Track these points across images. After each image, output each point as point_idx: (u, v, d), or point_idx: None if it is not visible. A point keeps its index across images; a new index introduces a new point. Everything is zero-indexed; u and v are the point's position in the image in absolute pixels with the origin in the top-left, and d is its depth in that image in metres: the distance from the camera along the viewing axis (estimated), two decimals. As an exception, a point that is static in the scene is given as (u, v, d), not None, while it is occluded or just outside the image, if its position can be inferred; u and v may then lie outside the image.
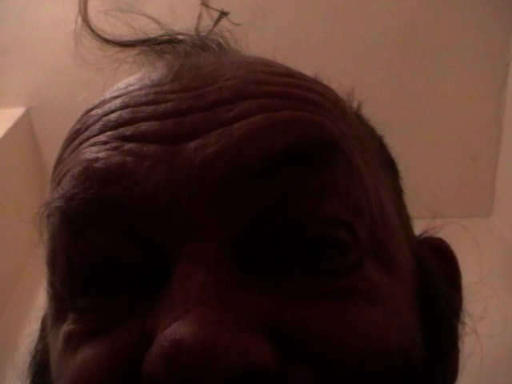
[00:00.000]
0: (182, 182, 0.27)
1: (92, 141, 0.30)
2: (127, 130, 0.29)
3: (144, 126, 0.29)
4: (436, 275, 0.35)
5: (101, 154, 0.29)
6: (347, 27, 1.62)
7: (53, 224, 0.30)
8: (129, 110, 0.30)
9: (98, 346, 0.27)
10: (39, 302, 0.38)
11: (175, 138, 0.28)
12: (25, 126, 1.72)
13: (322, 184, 0.28)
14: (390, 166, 0.37)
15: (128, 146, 0.29)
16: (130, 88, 0.32)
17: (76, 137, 0.32)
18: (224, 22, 1.49)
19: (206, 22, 1.49)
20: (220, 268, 0.26)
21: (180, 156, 0.28)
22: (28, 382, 0.37)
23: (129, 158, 0.28)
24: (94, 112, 0.32)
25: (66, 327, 0.30)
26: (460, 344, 0.36)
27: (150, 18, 0.38)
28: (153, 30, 0.37)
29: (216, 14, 1.54)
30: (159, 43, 0.36)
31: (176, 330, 0.24)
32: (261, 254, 0.28)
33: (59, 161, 0.32)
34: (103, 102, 0.32)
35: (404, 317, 0.30)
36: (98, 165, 0.29)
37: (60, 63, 1.55)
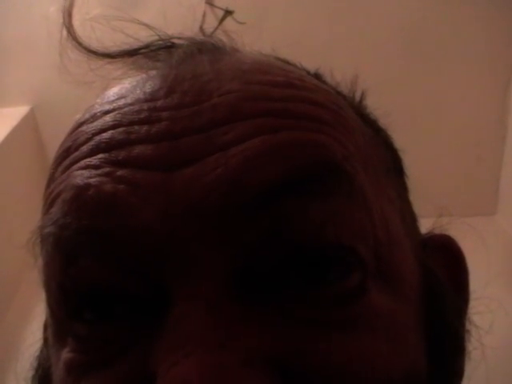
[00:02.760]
0: (177, 215, 0.26)
1: (83, 163, 0.29)
2: (120, 154, 0.28)
3: (137, 150, 0.28)
4: (442, 281, 0.34)
5: (92, 181, 0.28)
6: (352, 25, 1.62)
7: (46, 250, 0.29)
8: (121, 129, 0.29)
9: (99, 381, 0.27)
10: (40, 308, 0.38)
11: (169, 164, 0.27)
12: (29, 125, 1.73)
13: (323, 212, 0.27)
14: (394, 168, 0.36)
15: (120, 172, 0.27)
16: (122, 102, 0.30)
17: (67, 155, 0.30)
18: (228, 20, 1.49)
19: (211, 21, 1.49)
20: (218, 305, 0.25)
21: (174, 185, 0.27)
22: None
23: (121, 186, 0.27)
24: (84, 128, 0.31)
25: (65, 354, 0.29)
26: (465, 353, 0.36)
27: (142, 23, 0.37)
28: (145, 36, 0.35)
29: (221, 13, 1.54)
30: (153, 50, 0.35)
31: (175, 376, 0.24)
32: (260, 279, 0.27)
33: (51, 179, 0.31)
34: (94, 117, 0.31)
35: (407, 341, 0.30)
36: (89, 193, 0.27)
37: (64, 62, 1.55)
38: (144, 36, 0.36)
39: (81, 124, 0.31)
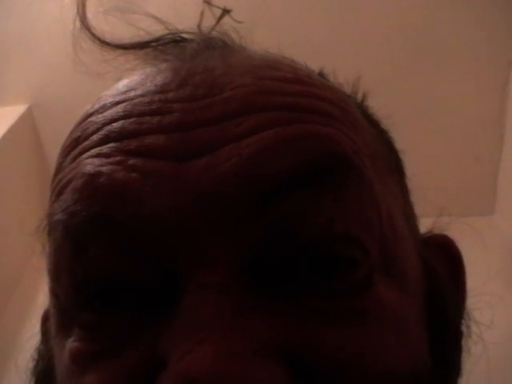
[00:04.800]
0: (189, 204, 0.26)
1: (94, 151, 0.29)
2: (131, 143, 0.28)
3: (149, 140, 0.28)
4: (442, 278, 0.35)
5: (104, 169, 0.28)
6: (351, 25, 1.62)
7: (55, 237, 0.29)
8: (132, 120, 0.29)
9: (106, 369, 0.27)
10: (41, 301, 0.38)
11: (181, 154, 0.27)
12: (27, 124, 1.73)
13: (334, 203, 0.27)
14: (397, 168, 0.36)
15: (132, 160, 0.27)
16: (133, 93, 0.30)
17: (76, 145, 0.30)
18: (226, 19, 1.49)
19: (209, 20, 1.49)
20: (230, 294, 0.26)
21: (186, 175, 0.27)
22: None
23: (133, 175, 0.27)
24: (94, 118, 0.31)
25: (71, 344, 0.29)
26: (466, 349, 0.36)
27: (153, 17, 0.37)
28: (155, 30, 0.36)
29: (218, 12, 1.54)
30: (163, 44, 0.35)
31: (189, 364, 0.24)
32: (270, 271, 0.27)
33: (59, 169, 0.31)
34: (104, 108, 0.31)
35: (413, 334, 0.30)
36: (101, 180, 0.27)
37: (62, 60, 1.55)
38: (152, 30, 0.36)
39: (90, 114, 0.31)
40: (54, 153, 0.33)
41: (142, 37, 0.35)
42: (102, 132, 0.29)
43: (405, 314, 0.30)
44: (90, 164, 0.28)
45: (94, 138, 0.29)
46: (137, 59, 0.35)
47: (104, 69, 0.36)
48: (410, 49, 1.61)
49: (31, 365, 0.37)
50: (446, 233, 0.39)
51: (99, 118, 0.30)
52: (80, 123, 0.31)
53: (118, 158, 0.28)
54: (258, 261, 0.27)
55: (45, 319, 0.37)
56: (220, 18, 1.51)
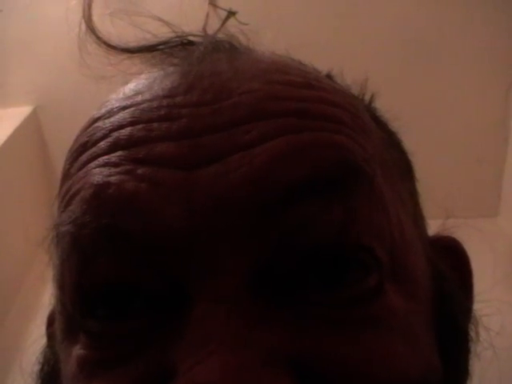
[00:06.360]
0: (200, 214, 0.26)
1: (102, 160, 0.28)
2: (140, 151, 0.28)
3: (158, 148, 0.27)
4: (450, 281, 0.35)
5: (112, 179, 0.27)
6: (355, 26, 1.62)
7: (63, 248, 0.29)
8: (141, 126, 0.28)
9: (113, 377, 0.27)
10: (45, 303, 0.38)
11: (191, 162, 0.27)
12: (32, 125, 1.73)
13: (344, 212, 0.27)
14: (407, 171, 0.36)
15: (141, 170, 0.27)
16: (140, 98, 0.30)
17: (83, 151, 0.30)
18: (233, 21, 1.49)
19: (214, 22, 1.49)
20: (240, 306, 0.25)
21: (197, 184, 0.26)
22: None
23: (142, 185, 0.27)
24: (101, 123, 0.30)
25: (78, 351, 0.29)
26: (476, 354, 0.36)
27: (160, 19, 0.37)
28: (162, 32, 0.35)
29: (224, 14, 1.54)
30: (170, 47, 0.34)
31: (198, 375, 0.24)
32: (280, 280, 0.27)
33: (66, 176, 0.31)
34: (110, 112, 0.30)
35: (423, 341, 0.30)
36: (110, 191, 0.27)
37: (68, 62, 1.55)
38: (159, 33, 0.36)
39: (97, 119, 0.31)
40: (59, 154, 0.33)
41: (149, 39, 0.35)
42: (110, 139, 0.29)
43: (414, 320, 0.29)
44: (97, 174, 0.28)
45: (102, 144, 0.29)
46: (143, 62, 0.34)
47: (109, 72, 0.36)
48: (414, 49, 1.61)
49: (36, 368, 0.37)
50: (449, 235, 0.39)
51: (106, 124, 0.30)
52: (87, 128, 0.31)
53: (126, 168, 0.27)
54: (268, 269, 0.27)
55: (50, 322, 0.37)
56: (225, 20, 1.51)
